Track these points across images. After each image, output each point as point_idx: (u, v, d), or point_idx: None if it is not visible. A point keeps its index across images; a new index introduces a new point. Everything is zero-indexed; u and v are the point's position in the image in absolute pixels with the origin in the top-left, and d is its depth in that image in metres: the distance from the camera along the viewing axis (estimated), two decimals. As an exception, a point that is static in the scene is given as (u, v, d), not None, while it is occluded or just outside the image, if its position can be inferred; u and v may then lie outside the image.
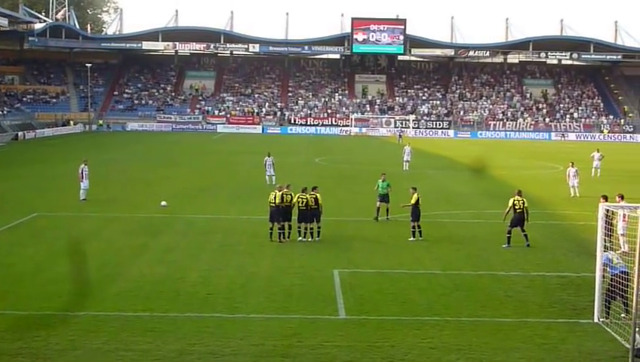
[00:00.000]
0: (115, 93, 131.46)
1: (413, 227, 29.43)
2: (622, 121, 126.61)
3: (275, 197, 28.76)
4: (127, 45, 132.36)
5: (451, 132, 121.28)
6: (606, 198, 25.16)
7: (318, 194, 29.18)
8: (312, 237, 29.02)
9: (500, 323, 18.97)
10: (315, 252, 26.98)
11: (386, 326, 18.46)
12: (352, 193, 44.23)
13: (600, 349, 17.27)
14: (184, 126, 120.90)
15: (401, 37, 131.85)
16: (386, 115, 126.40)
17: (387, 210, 33.72)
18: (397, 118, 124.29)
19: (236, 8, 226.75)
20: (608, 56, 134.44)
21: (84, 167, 38.85)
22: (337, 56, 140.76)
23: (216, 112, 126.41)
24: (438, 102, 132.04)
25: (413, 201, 29.43)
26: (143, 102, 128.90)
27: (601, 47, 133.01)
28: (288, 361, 16.19)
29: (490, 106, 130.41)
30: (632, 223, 26.01)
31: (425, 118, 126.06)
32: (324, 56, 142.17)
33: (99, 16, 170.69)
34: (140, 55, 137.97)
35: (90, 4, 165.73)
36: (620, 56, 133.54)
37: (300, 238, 28.97)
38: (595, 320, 19.13)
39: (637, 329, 16.71)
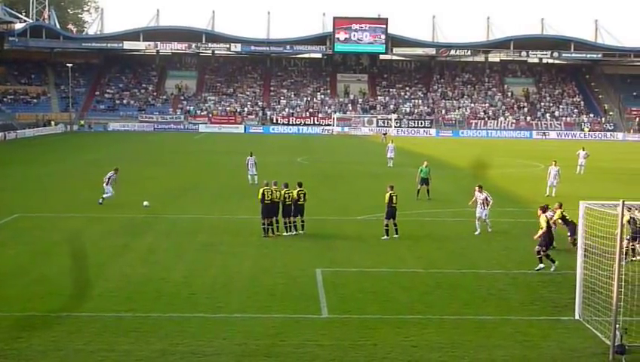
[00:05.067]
0: (97, 93, 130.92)
1: (387, 225, 29.53)
2: (602, 119, 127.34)
3: (269, 194, 29.44)
4: (109, 45, 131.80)
5: (433, 131, 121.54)
6: (545, 209, 25.10)
7: (301, 190, 30.23)
8: (297, 230, 29.83)
9: (483, 321, 19.06)
10: (297, 251, 27.01)
11: (368, 324, 18.52)
12: (334, 192, 44.27)
13: (581, 346, 17.38)
14: (166, 126, 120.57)
15: (383, 36, 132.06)
16: (368, 114, 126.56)
17: (428, 191, 40.39)
18: (379, 117, 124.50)
19: (218, 8, 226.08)
20: (589, 55, 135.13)
21: (112, 175, 37.92)
22: (319, 55, 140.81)
23: (198, 112, 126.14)
24: (420, 101, 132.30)
25: (386, 200, 29.58)
26: (125, 102, 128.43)
27: (581, 45, 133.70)
28: (271, 360, 16.21)
29: (472, 105, 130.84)
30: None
31: (407, 117, 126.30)
32: (306, 55, 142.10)
33: (80, 15, 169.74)
34: (121, 55, 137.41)
35: (71, 3, 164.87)
36: (600, 55, 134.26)
37: (286, 233, 29.65)
38: (576, 317, 19.26)
39: (617, 326, 16.84)
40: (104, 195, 37.22)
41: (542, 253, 23.45)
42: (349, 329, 18.16)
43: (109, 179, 37.53)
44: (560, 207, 27.53)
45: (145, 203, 36.08)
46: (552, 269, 23.90)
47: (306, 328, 18.23)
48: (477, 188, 30.98)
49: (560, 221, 27.15)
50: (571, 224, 26.37)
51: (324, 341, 17.32)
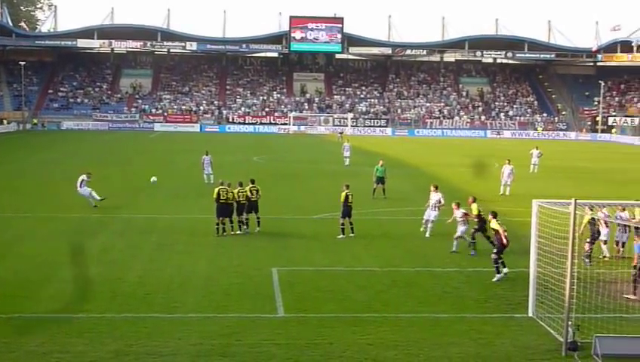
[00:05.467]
0: (50, 91, 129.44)
1: (342, 224, 29.63)
2: (555, 119, 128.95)
3: (225, 193, 29.48)
4: (62, 43, 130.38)
5: (389, 130, 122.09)
6: (495, 215, 24.04)
7: (255, 187, 30.48)
8: (249, 227, 30.01)
9: (438, 319, 19.18)
10: (253, 250, 26.95)
11: (324, 323, 18.53)
12: (290, 191, 44.27)
13: (534, 343, 17.57)
14: (121, 125, 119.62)
15: (339, 35, 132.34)
16: (325, 114, 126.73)
17: (383, 190, 40.55)
18: (335, 116, 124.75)
19: (173, 6, 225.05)
20: (542, 55, 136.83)
21: (85, 177, 36.64)
22: (275, 54, 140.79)
23: (154, 111, 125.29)
24: (376, 100, 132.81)
25: (342, 199, 29.66)
26: (79, 100, 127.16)
27: (535, 46, 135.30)
28: (227, 360, 16.15)
29: (427, 104, 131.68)
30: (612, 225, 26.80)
31: (363, 116, 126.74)
32: (262, 54, 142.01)
33: (32, 13, 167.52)
34: (75, 53, 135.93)
35: (24, 0, 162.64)
36: (553, 55, 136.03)
37: (240, 231, 29.80)
38: (530, 314, 19.47)
39: (570, 323, 17.06)
40: (93, 197, 36.38)
41: (499, 261, 23.23)
42: (305, 328, 18.16)
43: (81, 181, 36.79)
44: (474, 201, 27.42)
45: (153, 178, 36.14)
46: (500, 276, 23.18)
47: (261, 327, 18.20)
48: (433, 187, 30.99)
49: (474, 216, 27.04)
50: (482, 220, 26.52)
51: (280, 340, 17.31)
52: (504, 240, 23.24)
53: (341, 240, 29.00)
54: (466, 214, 27.24)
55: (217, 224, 29.56)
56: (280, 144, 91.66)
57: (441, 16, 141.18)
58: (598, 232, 25.97)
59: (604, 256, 26.22)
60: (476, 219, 27.01)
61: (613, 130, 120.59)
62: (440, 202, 30.31)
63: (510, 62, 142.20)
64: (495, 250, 23.40)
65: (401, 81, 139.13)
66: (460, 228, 27.26)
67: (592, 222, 25.33)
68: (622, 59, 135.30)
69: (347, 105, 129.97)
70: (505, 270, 23.24)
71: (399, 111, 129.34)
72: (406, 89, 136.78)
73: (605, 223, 25.83)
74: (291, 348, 16.83)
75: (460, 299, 21.09)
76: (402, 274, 23.91)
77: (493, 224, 23.60)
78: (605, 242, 26.32)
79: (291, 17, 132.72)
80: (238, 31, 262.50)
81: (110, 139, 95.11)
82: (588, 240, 25.66)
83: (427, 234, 30.06)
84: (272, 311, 19.59)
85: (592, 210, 25.23)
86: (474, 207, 27.22)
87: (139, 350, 16.51)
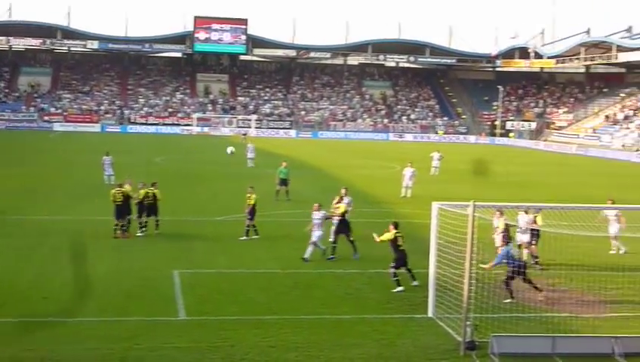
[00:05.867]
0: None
1: (248, 226, 29.56)
2: (456, 122, 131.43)
3: (120, 195, 29.20)
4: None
5: (293, 132, 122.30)
6: (396, 225, 22.95)
7: (157, 190, 30.23)
8: (147, 229, 29.80)
9: (339, 320, 19.28)
10: (154, 252, 26.62)
11: (226, 326, 18.42)
12: (193, 192, 43.91)
13: (434, 343, 17.83)
14: (19, 124, 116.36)
15: (243, 37, 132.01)
16: (229, 115, 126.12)
17: (287, 192, 40.66)
18: (239, 117, 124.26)
19: (74, 4, 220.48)
20: (443, 60, 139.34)
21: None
22: (179, 54, 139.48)
23: (53, 110, 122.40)
24: (280, 102, 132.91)
25: (252, 202, 29.59)
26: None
27: (436, 50, 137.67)
28: (126, 364, 15.90)
29: (331, 107, 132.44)
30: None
31: (267, 118, 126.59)
32: (166, 54, 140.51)
33: None
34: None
35: None
36: (454, 60, 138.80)
37: (140, 234, 29.52)
38: (430, 314, 19.75)
39: (468, 323, 17.39)
40: None
41: (397, 275, 22.40)
42: (207, 331, 18.01)
43: None
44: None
45: (230, 148, 34.87)
46: (400, 289, 22.31)
47: (162, 330, 17.96)
48: (343, 190, 30.18)
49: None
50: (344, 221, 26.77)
51: (180, 343, 17.11)
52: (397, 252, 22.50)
53: (243, 242, 28.90)
54: (328, 218, 26.78)
55: (116, 225, 29.15)
56: (183, 145, 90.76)
57: (345, 20, 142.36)
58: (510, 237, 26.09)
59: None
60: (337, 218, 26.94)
61: (511, 134, 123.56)
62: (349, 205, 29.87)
63: (412, 66, 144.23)
64: (393, 264, 22.55)
65: (305, 84, 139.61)
66: (316, 234, 26.27)
67: (507, 228, 25.19)
68: (519, 65, 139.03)
69: (251, 107, 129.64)
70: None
71: (303, 113, 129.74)
72: (310, 91, 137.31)
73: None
74: (192, 351, 16.66)
75: (362, 301, 21.25)
76: (304, 275, 23.96)
77: (388, 235, 22.65)
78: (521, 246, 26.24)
79: (195, 17, 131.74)
80: (140, 30, 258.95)
81: (7, 138, 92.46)
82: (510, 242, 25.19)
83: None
84: (173, 314, 19.37)
85: (502, 213, 25.58)
86: (342, 206, 27.36)
87: (34, 356, 16.06)
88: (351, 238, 26.85)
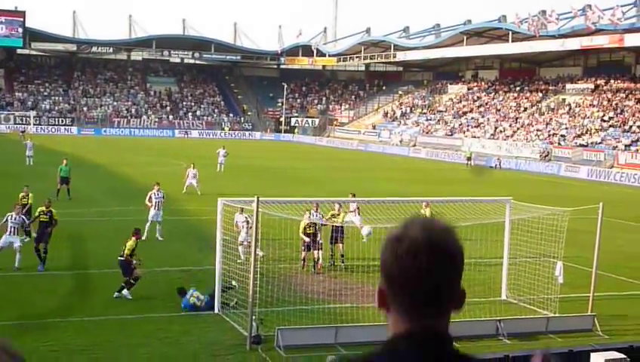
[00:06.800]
0: None
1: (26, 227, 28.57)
2: (242, 119, 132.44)
3: None
4: None
5: (75, 129, 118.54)
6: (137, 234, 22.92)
7: None
8: None
9: (124, 321, 19.06)
10: None
11: (4, 332, 17.70)
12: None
13: (221, 338, 18.02)
14: None
15: (20, 29, 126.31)
16: (5, 111, 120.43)
17: (68, 191, 39.62)
18: (17, 114, 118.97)
19: None
20: (228, 57, 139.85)
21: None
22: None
23: None
24: (61, 98, 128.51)
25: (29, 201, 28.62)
26: None
27: (221, 47, 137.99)
28: None
29: (115, 103, 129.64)
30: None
31: (47, 114, 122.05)
32: None
33: None
34: None
35: None
36: (239, 57, 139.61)
37: None
38: (216, 311, 19.90)
39: (254, 317, 17.70)
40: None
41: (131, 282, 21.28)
42: (-17, 338, 17.22)
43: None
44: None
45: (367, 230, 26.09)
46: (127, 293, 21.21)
47: None
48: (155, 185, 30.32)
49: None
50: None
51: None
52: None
53: (24, 243, 27.81)
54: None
55: None
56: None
57: (128, 14, 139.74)
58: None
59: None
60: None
61: (296, 130, 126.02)
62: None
63: (197, 62, 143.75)
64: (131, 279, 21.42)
65: (87, 79, 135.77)
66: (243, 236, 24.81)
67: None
68: (303, 62, 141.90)
69: (29, 103, 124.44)
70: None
71: (85, 109, 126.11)
72: (92, 87, 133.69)
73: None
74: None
75: (147, 300, 21.08)
76: (87, 276, 23.47)
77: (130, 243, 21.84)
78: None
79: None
80: None
81: None
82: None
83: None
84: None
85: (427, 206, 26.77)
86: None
87: None
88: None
